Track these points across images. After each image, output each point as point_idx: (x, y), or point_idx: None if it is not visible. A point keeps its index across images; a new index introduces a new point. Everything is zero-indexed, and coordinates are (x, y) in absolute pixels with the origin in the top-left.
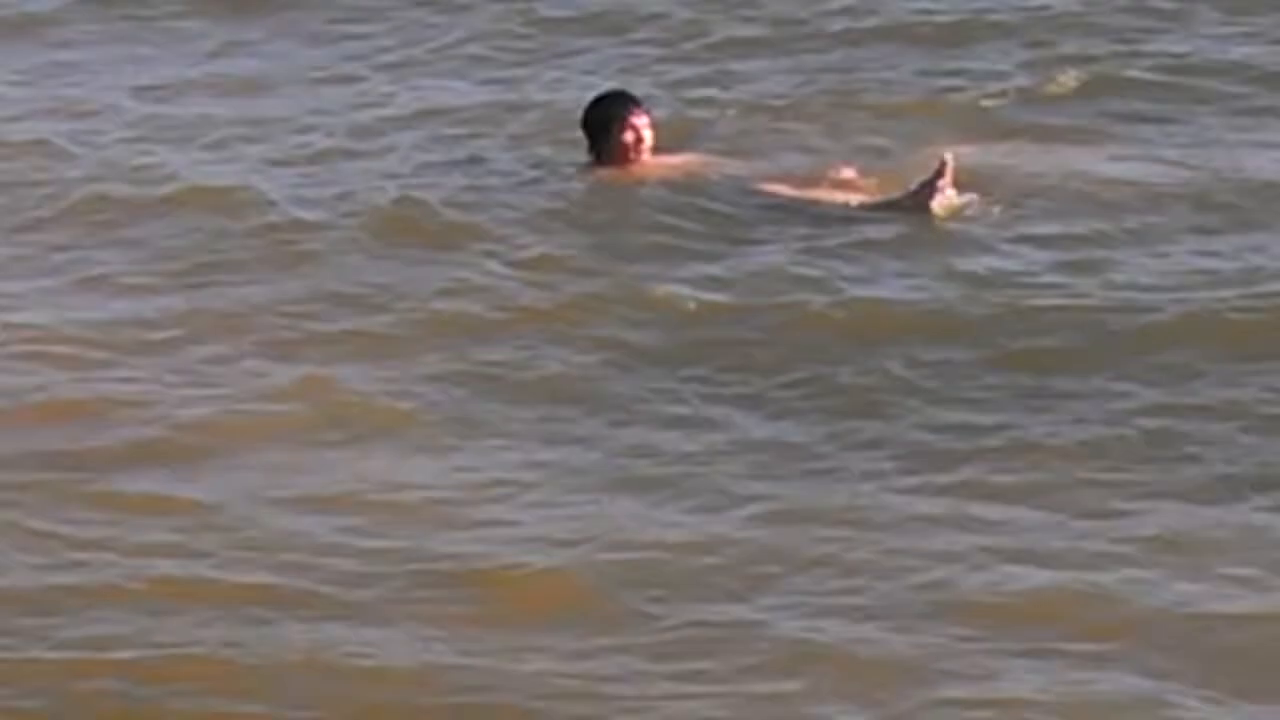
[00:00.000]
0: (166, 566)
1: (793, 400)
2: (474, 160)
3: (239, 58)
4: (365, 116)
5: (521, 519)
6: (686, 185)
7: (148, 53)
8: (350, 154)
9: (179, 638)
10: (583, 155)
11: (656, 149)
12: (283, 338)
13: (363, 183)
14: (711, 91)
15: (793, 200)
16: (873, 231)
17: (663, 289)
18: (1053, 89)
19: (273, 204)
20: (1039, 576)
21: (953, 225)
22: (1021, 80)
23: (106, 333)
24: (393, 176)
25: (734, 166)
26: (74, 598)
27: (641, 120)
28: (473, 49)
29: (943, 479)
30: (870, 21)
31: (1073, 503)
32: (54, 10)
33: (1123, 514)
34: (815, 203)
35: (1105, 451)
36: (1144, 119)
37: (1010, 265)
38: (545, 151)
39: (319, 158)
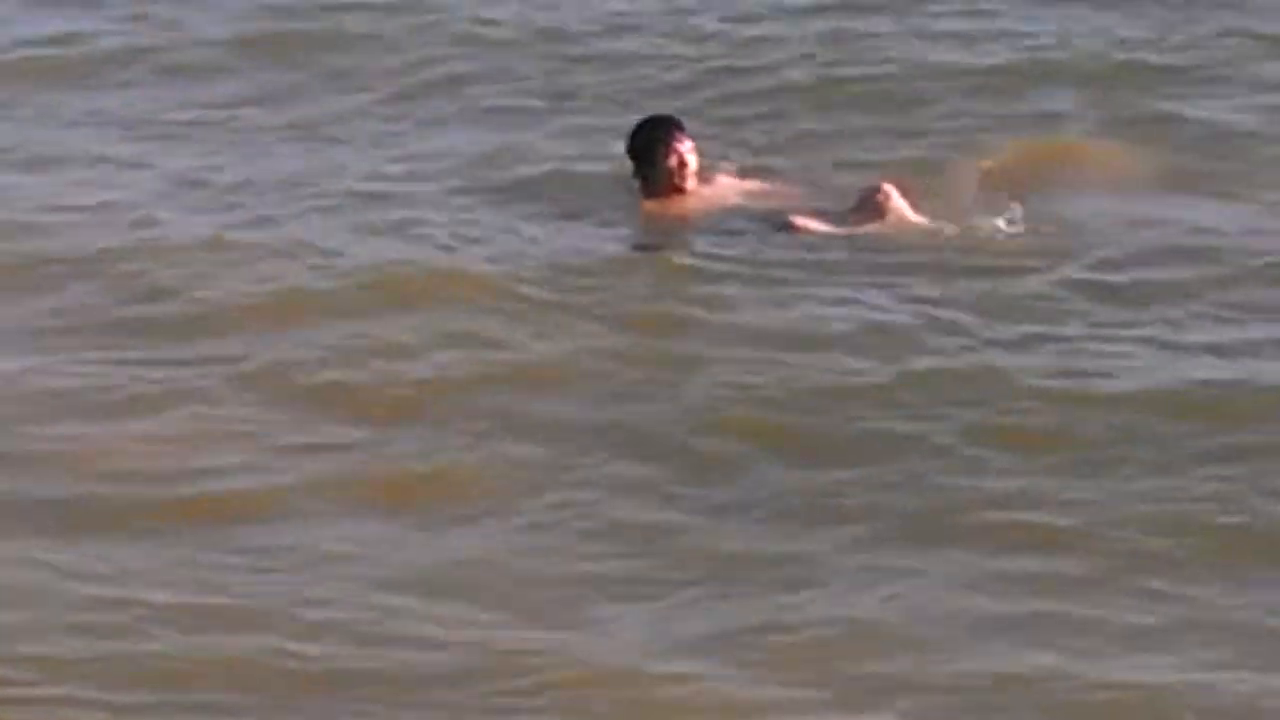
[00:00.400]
0: (202, 637)
1: (836, 466)
2: (521, 208)
3: (271, 107)
4: (400, 160)
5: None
6: (730, 226)
7: (182, 104)
8: (388, 200)
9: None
10: (625, 192)
11: (702, 173)
12: (324, 393)
13: (398, 229)
14: (758, 124)
15: (835, 238)
16: (924, 287)
17: (706, 344)
18: (1104, 132)
19: (309, 255)
20: (1096, 668)
21: (1013, 283)
22: (1076, 122)
23: (143, 385)
24: (429, 224)
25: (779, 197)
26: (119, 666)
27: (684, 145)
28: (507, 90)
29: (993, 553)
30: (927, 58)
31: (1132, 581)
32: (102, 55)
33: (1183, 598)
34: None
35: (1164, 531)
36: (1198, 168)
37: (1068, 324)
38: (589, 189)
39: (355, 206)
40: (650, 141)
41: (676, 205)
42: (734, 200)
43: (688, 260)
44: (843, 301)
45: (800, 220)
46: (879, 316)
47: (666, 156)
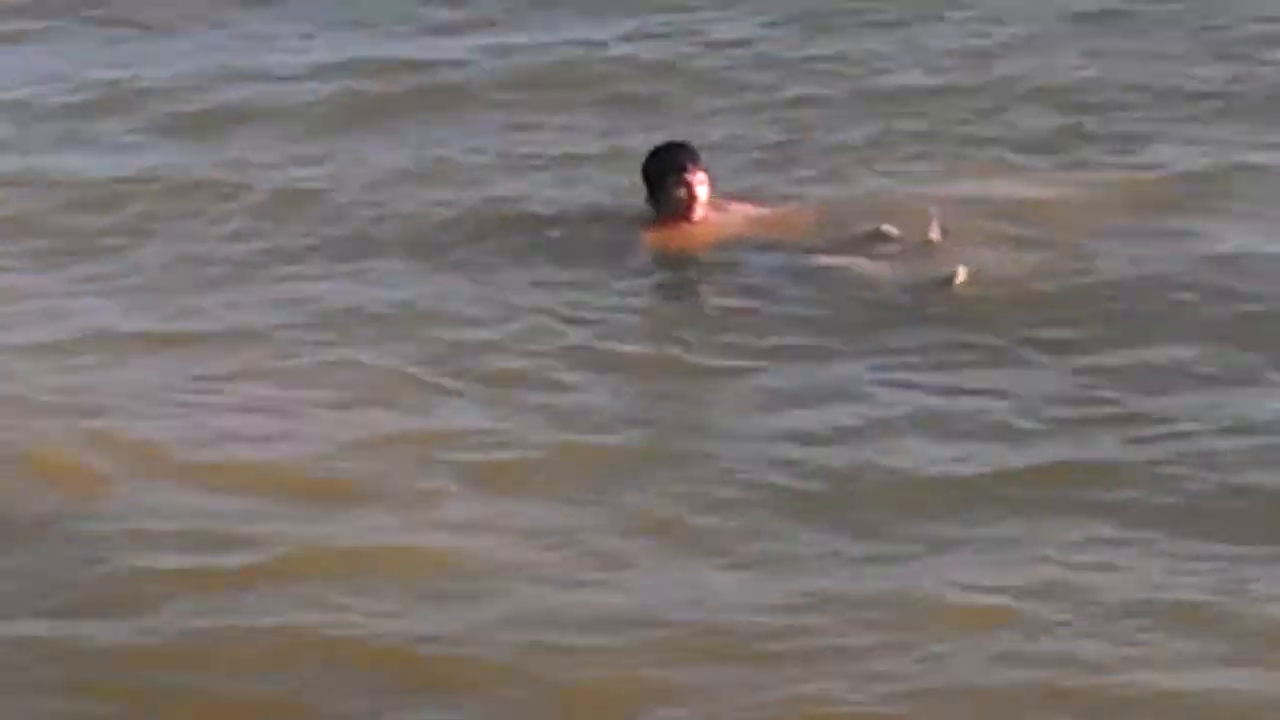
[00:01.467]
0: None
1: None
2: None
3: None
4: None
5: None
6: (735, 258)
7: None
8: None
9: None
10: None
11: (713, 200)
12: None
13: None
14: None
15: (840, 273)
16: (937, 334)
17: (699, 401)
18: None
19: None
20: None
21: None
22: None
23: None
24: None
25: (787, 226)
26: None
27: (696, 177)
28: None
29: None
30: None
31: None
32: None
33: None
34: (871, 282)
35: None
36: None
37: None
38: (602, 202)
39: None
40: (662, 170)
41: (682, 235)
42: (741, 230)
43: (691, 302)
44: (839, 352)
45: (816, 256)
46: (885, 372)
47: (676, 186)
